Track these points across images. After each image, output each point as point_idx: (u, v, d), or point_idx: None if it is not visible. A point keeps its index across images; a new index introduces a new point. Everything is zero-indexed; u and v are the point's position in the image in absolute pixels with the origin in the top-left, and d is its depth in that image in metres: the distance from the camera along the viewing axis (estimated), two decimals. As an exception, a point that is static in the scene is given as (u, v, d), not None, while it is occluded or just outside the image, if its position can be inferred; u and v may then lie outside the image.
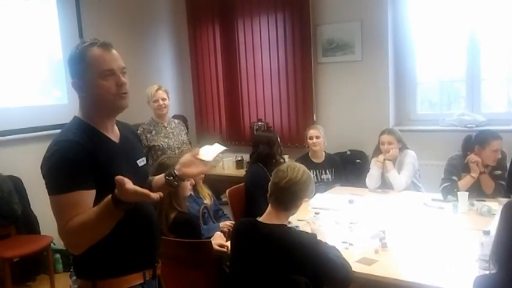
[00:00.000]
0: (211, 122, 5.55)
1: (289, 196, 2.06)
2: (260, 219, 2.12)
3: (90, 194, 1.46)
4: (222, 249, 2.51)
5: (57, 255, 4.00)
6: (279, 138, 3.75)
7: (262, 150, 3.54)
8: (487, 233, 2.02)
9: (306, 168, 2.18)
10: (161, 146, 3.64)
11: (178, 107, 5.46)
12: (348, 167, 4.28)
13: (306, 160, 3.74)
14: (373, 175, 3.53)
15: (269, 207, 2.12)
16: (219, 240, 2.59)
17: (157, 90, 3.70)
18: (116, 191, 1.33)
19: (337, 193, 3.51)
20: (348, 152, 4.51)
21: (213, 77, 5.43)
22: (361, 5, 4.47)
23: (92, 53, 1.52)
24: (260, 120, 5.06)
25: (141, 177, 1.64)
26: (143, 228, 1.62)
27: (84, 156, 1.46)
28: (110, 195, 1.35)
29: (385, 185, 3.54)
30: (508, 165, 3.29)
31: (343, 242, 2.42)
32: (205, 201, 2.94)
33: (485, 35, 4.15)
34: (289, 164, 2.19)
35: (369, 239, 2.42)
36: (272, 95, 5.06)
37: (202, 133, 5.52)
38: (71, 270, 1.59)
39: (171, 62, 5.59)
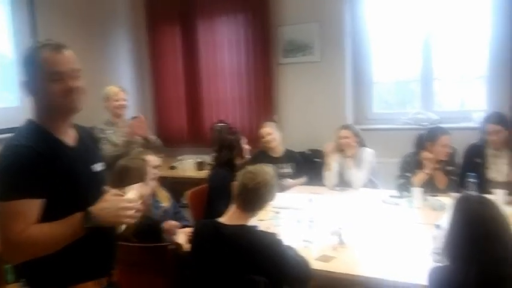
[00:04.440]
0: (172, 124, 5.48)
1: (256, 198, 2.08)
2: (221, 220, 2.12)
3: (38, 204, 1.42)
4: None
5: (8, 265, 3.83)
6: (242, 139, 3.75)
7: (224, 156, 3.52)
8: (438, 226, 2.11)
9: (272, 170, 2.20)
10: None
11: (137, 108, 5.35)
12: (307, 166, 4.34)
13: (263, 155, 3.80)
14: (330, 173, 3.61)
15: (233, 208, 2.12)
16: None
17: (119, 89, 3.67)
18: (92, 215, 1.34)
19: (298, 192, 3.57)
20: (308, 151, 4.58)
21: (173, 77, 5.37)
22: (319, 7, 4.55)
23: (43, 55, 1.48)
24: (221, 121, 5.05)
25: (96, 183, 1.60)
26: (96, 237, 1.58)
27: (36, 161, 1.42)
28: (79, 214, 1.36)
29: (343, 183, 3.62)
30: (459, 161, 3.46)
31: (303, 241, 2.46)
32: (163, 204, 2.91)
33: (437, 35, 4.32)
34: (257, 166, 2.21)
35: (328, 236, 2.47)
36: (233, 95, 5.07)
37: (162, 135, 5.44)
38: (22, 280, 1.53)
39: (129, 63, 5.48)
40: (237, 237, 2.02)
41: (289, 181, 3.80)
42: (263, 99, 4.88)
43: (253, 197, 2.07)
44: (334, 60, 4.56)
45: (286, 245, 2.14)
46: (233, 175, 2.46)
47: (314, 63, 4.67)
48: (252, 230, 2.09)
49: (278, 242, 2.04)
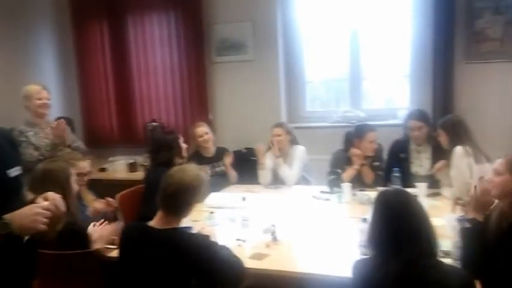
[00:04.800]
0: (101, 123, 5.25)
1: (177, 202, 2.01)
2: (151, 223, 2.06)
3: None
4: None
5: None
6: (180, 139, 3.66)
7: (163, 156, 3.42)
8: (365, 220, 2.19)
9: (199, 171, 2.15)
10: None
11: (62, 108, 5.06)
12: (243, 165, 4.35)
13: (197, 156, 3.76)
14: (264, 172, 3.65)
15: (159, 212, 2.06)
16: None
17: (41, 87, 3.43)
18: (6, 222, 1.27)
19: (233, 191, 3.56)
20: (244, 150, 4.59)
21: (102, 76, 5.15)
22: (252, 6, 4.56)
23: None
24: (154, 120, 4.93)
25: (12, 189, 1.49)
26: (12, 245, 1.47)
27: None
28: None
29: (277, 180, 3.67)
30: (385, 157, 3.63)
31: (237, 240, 2.45)
32: (90, 208, 2.78)
33: (365, 36, 4.50)
34: (181, 168, 2.15)
35: (261, 234, 2.49)
36: (167, 94, 4.96)
37: (91, 135, 5.21)
38: None
39: (54, 60, 5.17)
40: (168, 241, 1.96)
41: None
42: (197, 98, 4.82)
43: (174, 202, 2.01)
44: (267, 59, 4.60)
45: (221, 245, 2.12)
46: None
47: (248, 62, 4.69)
48: (185, 233, 2.04)
49: (211, 244, 2.01)
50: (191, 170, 2.12)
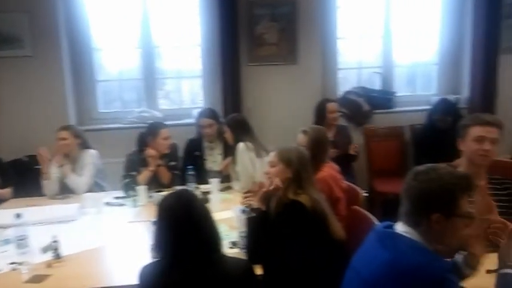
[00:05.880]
0: None
1: None
2: None
3: None
4: None
5: None
6: None
7: None
8: (155, 222, 2.13)
9: None
10: None
11: None
12: (26, 175, 3.82)
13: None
14: (49, 182, 3.26)
15: None
16: None
17: None
18: None
19: (11, 207, 3.06)
20: (25, 158, 4.03)
21: None
22: (27, -6, 4.05)
23: None
24: None
25: None
26: None
27: None
28: None
29: (66, 189, 3.33)
30: (181, 156, 3.67)
31: (11, 263, 2.11)
32: None
33: (160, 35, 4.46)
34: None
35: (40, 253, 2.19)
36: None
37: None
38: None
39: None
40: None
41: None
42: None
43: None
44: (48, 55, 4.14)
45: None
46: None
47: (26, 58, 4.14)
48: None
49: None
50: None
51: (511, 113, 4.12)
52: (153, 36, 4.43)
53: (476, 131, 2.13)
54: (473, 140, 2.13)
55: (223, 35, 4.10)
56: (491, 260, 1.57)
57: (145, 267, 1.67)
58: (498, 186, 2.19)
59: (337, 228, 2.15)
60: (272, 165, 2.18)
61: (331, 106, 3.93)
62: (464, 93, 4.53)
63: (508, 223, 1.55)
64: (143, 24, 4.40)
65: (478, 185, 1.84)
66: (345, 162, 3.85)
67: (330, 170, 2.77)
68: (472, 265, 1.56)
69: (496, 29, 4.24)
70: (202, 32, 4.36)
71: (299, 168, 2.16)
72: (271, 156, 2.21)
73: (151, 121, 3.77)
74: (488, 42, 4.24)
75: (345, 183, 2.85)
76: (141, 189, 3.07)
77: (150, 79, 4.52)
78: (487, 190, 1.93)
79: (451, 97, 4.48)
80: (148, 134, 3.35)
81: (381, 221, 1.63)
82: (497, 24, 4.25)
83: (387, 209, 3.58)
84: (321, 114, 3.93)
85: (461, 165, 2.19)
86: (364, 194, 2.88)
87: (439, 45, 4.64)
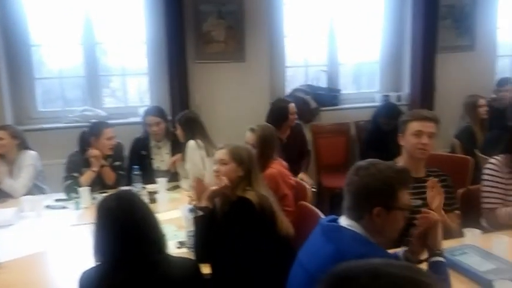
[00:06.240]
0: None
1: None
2: None
3: None
4: None
5: None
6: None
7: None
8: (95, 224, 2.05)
9: None
10: None
11: None
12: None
13: None
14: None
15: None
16: None
17: None
18: None
19: None
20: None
21: None
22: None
23: None
24: None
25: None
26: None
27: None
28: None
29: (3, 193, 3.14)
30: (127, 155, 3.56)
31: None
32: None
33: (103, 31, 4.30)
34: None
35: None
36: None
37: None
38: None
39: None
40: None
41: None
42: None
43: None
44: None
45: None
46: None
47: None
48: None
49: None
50: None
51: (448, 108, 4.34)
52: (95, 32, 4.27)
53: (414, 126, 2.23)
54: (412, 134, 2.22)
55: (169, 31, 4.03)
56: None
57: (86, 272, 1.61)
58: (436, 179, 2.30)
59: (285, 224, 2.18)
60: (223, 163, 2.16)
61: (292, 107, 3.82)
62: (405, 90, 4.73)
63: (434, 213, 1.63)
64: (85, 20, 4.23)
65: (430, 181, 1.94)
66: (300, 159, 3.95)
67: (278, 166, 2.79)
68: (412, 259, 1.63)
69: (434, 29, 4.47)
70: (148, 28, 4.26)
71: (250, 167, 2.17)
72: (221, 154, 2.19)
73: (94, 120, 3.63)
74: (426, 42, 4.44)
75: (293, 179, 2.89)
76: (84, 191, 2.96)
77: (93, 77, 4.35)
78: (437, 184, 2.02)
79: (393, 94, 4.68)
80: (91, 133, 3.23)
81: (328, 215, 1.66)
82: (435, 25, 4.47)
83: (335, 203, 3.67)
84: (283, 116, 3.74)
85: (402, 160, 2.29)
86: (312, 189, 2.93)
87: (381, 46, 4.82)
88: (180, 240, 2.25)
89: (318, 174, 4.44)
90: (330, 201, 4.09)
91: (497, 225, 2.29)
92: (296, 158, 3.85)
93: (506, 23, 4.92)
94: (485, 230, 2.23)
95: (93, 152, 3.19)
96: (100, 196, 2.94)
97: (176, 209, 2.69)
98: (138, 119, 4.06)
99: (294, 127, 3.98)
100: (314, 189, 3.20)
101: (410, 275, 0.78)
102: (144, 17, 4.25)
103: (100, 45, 4.36)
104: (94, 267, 1.61)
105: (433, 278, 0.82)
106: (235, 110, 4.30)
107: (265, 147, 2.74)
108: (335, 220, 1.57)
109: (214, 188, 2.16)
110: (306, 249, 1.58)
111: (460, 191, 2.53)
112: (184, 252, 2.14)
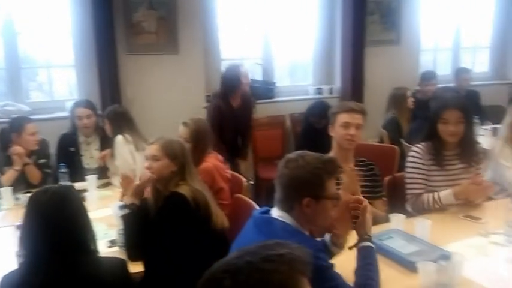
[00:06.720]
0: None
1: None
2: None
3: None
4: None
5: None
6: None
7: None
8: (19, 227, 1.93)
9: None
10: None
11: None
12: None
13: None
14: None
15: None
16: None
17: None
18: None
19: None
20: None
21: None
22: None
23: None
24: None
25: None
26: None
27: None
28: None
29: None
30: (53, 152, 3.38)
31: None
32: None
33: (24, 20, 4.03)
34: None
35: None
36: None
37: None
38: None
39: None
40: None
41: None
42: None
43: None
44: None
45: None
46: None
47: None
48: None
49: None
50: None
51: (376, 99, 4.53)
52: (16, 22, 3.98)
53: (342, 117, 2.31)
54: (340, 125, 2.30)
55: (97, 21, 3.85)
56: (352, 237, 1.71)
57: (7, 276, 1.50)
58: (364, 168, 2.40)
59: (221, 217, 2.17)
60: (155, 159, 2.10)
61: (245, 70, 3.82)
62: (337, 83, 4.89)
63: (363, 199, 1.70)
64: (4, 9, 3.92)
65: (345, 168, 1.99)
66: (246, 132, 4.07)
67: (213, 160, 2.77)
68: (338, 244, 1.68)
69: (362, 24, 4.64)
70: (74, 18, 4.02)
71: (183, 161, 2.12)
72: (153, 150, 2.12)
73: (15, 116, 3.40)
74: (355, 36, 4.62)
75: (229, 172, 2.89)
76: (6, 191, 2.77)
77: (14, 69, 4.06)
78: (354, 172, 2.09)
79: (326, 87, 4.81)
80: (12, 129, 3.02)
81: (264, 206, 1.67)
82: (363, 21, 4.65)
83: (271, 194, 3.71)
84: (236, 79, 3.76)
85: (332, 150, 2.36)
86: (249, 181, 2.95)
87: (314, 41, 4.93)
88: (111, 239, 2.17)
89: (254, 166, 4.47)
90: (266, 192, 4.13)
91: (421, 210, 2.43)
92: (243, 130, 4.01)
93: (429, 19, 5.22)
94: (410, 215, 2.36)
95: (16, 149, 2.99)
96: (24, 196, 2.79)
97: (107, 207, 2.59)
98: (65, 114, 3.85)
99: (244, 96, 3.96)
100: (251, 182, 3.22)
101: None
102: (70, 6, 4.02)
103: (21, 36, 4.06)
104: (16, 269, 1.51)
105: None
106: (169, 103, 4.20)
107: (199, 141, 2.71)
108: (267, 212, 1.58)
109: (138, 183, 2.10)
110: (239, 242, 1.58)
111: (387, 178, 2.65)
112: (115, 251, 2.06)
